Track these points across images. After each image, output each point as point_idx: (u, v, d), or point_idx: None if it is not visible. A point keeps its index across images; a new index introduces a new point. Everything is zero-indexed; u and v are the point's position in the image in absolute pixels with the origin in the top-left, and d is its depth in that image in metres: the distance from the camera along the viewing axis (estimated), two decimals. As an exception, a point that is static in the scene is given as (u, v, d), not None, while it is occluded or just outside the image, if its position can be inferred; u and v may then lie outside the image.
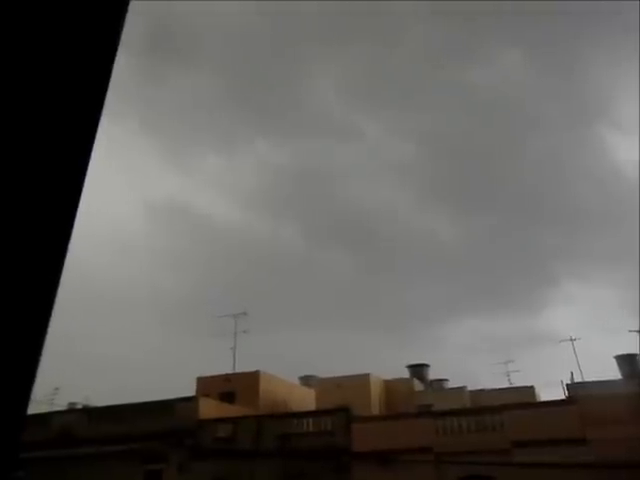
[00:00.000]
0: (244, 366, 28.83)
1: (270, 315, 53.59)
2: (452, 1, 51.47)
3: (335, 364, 52.88)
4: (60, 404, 29.46)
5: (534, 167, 66.66)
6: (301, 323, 56.62)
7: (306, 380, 33.27)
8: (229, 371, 28.69)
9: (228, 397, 26.24)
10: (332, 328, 56.06)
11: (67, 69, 0.87)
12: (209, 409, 23.11)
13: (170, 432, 21.48)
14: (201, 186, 71.57)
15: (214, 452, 20.89)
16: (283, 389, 28.30)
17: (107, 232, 62.57)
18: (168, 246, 68.22)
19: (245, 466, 20.54)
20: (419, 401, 28.33)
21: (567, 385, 20.16)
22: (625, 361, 26.84)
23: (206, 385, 27.46)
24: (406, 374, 33.63)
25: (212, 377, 27.90)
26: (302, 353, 44.77)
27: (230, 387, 27.06)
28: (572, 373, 23.47)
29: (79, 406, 29.08)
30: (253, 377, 27.22)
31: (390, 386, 30.78)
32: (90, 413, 25.16)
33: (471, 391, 29.94)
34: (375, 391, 29.36)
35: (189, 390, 26.91)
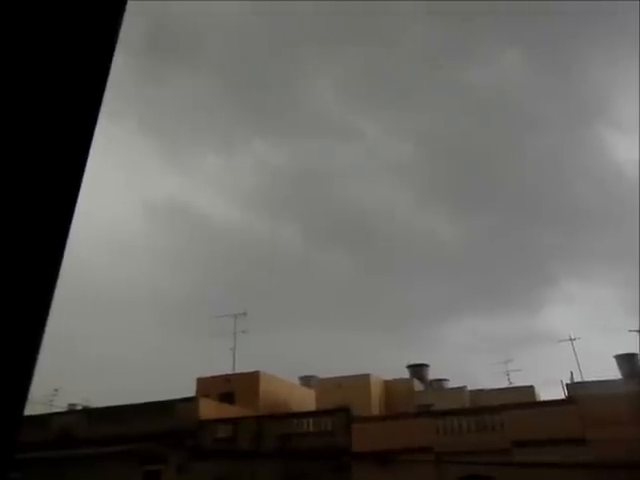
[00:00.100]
0: (244, 366, 28.86)
1: (270, 315, 53.59)
2: (449, 1, 51.52)
3: (335, 364, 52.88)
4: (60, 405, 29.47)
5: (533, 167, 66.75)
6: (301, 323, 56.65)
7: (306, 380, 33.27)
8: (229, 371, 28.70)
9: (228, 397, 26.23)
10: (332, 328, 56.09)
11: (65, 68, 0.87)
12: (209, 410, 23.10)
13: (170, 433, 21.48)
14: (200, 186, 71.63)
15: (214, 453, 20.89)
16: (283, 389, 28.29)
17: (106, 232, 62.59)
18: (167, 246, 68.28)
19: (245, 467, 20.53)
20: (419, 401, 28.33)
21: (567, 385, 20.17)
22: (625, 361, 26.85)
23: (206, 386, 27.45)
24: (406, 374, 33.65)
25: (212, 377, 27.89)
26: (302, 353, 44.79)
27: (230, 387, 27.05)
28: (572, 373, 23.50)
29: (79, 407, 29.08)
30: (253, 377, 27.22)
31: (390, 386, 30.79)
32: (90, 414, 25.14)
33: (471, 391, 29.95)
34: (375, 391, 29.37)
35: (189, 391, 26.92)
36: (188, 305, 55.86)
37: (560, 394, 20.16)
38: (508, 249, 68.22)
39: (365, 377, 29.21)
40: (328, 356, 44.56)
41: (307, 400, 28.46)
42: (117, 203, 70.51)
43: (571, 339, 27.41)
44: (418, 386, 32.01)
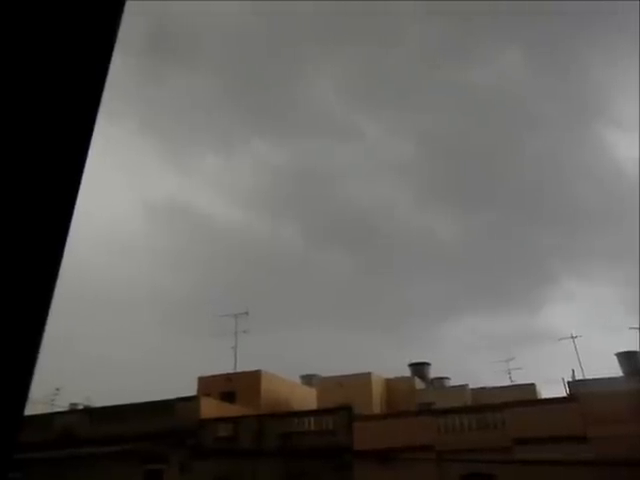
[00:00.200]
0: (245, 365, 28.87)
1: (270, 314, 53.62)
2: (449, 1, 51.47)
3: (336, 363, 52.87)
4: (61, 405, 29.53)
5: (533, 165, 66.69)
6: (301, 322, 56.66)
7: (307, 379, 33.30)
8: (230, 371, 28.71)
9: (229, 397, 26.25)
10: (332, 327, 56.14)
11: (63, 68, 0.87)
12: (210, 409, 23.12)
13: (171, 432, 21.51)
14: (200, 186, 71.61)
15: (215, 452, 20.91)
16: (284, 388, 28.32)
17: (106, 232, 62.63)
18: (167, 246, 68.27)
19: (247, 465, 20.56)
20: (420, 399, 28.34)
21: (568, 383, 20.15)
22: (626, 358, 26.83)
23: (207, 385, 27.48)
24: (407, 373, 33.64)
25: (213, 377, 27.92)
26: (303, 352, 44.82)
27: (231, 387, 27.08)
28: (573, 371, 23.44)
29: (80, 407, 29.12)
30: (254, 376, 27.24)
31: (391, 385, 30.81)
32: (91, 413, 25.18)
33: (472, 389, 29.94)
34: (376, 390, 29.38)
35: (190, 390, 26.95)
36: (189, 305, 55.93)
37: (561, 392, 20.15)
38: (508, 248, 68.24)
39: (366, 376, 29.21)
40: (329, 355, 44.61)
41: (308, 399, 28.49)
42: (117, 203, 70.53)
43: (572, 337, 27.41)
44: (419, 384, 32.01)
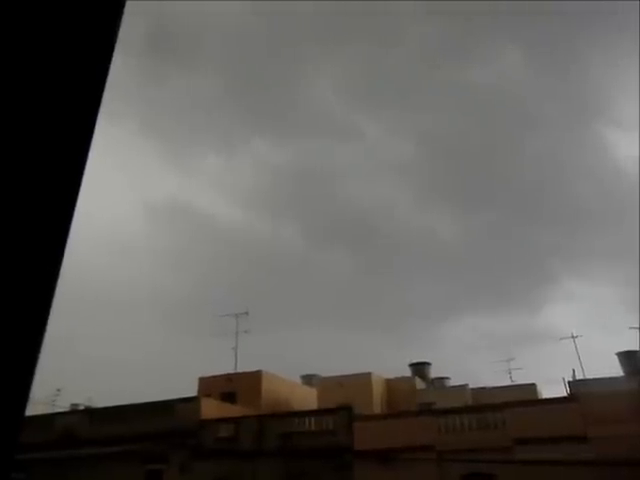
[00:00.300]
0: (246, 366, 28.88)
1: (271, 315, 53.60)
2: (449, 1, 51.46)
3: (336, 363, 52.85)
4: (62, 405, 29.55)
5: (533, 165, 66.69)
6: (302, 322, 56.68)
7: (308, 379, 33.29)
8: (231, 371, 28.71)
9: (230, 397, 26.25)
10: (333, 327, 56.15)
11: (64, 68, 0.87)
12: (211, 409, 23.12)
13: (172, 432, 21.51)
14: (201, 186, 71.64)
15: (216, 452, 20.91)
16: (285, 388, 28.32)
17: (107, 233, 62.66)
18: (168, 246, 68.29)
19: (247, 466, 20.56)
20: (421, 399, 28.33)
21: (569, 382, 20.14)
22: (626, 358, 26.83)
23: (208, 385, 27.48)
24: (407, 373, 33.63)
25: (214, 377, 27.92)
26: (303, 352, 44.80)
27: (232, 387, 27.07)
28: (574, 370, 23.43)
29: (81, 407, 29.13)
30: (255, 377, 27.24)
31: (392, 385, 30.80)
32: (92, 414, 25.19)
33: (473, 389, 29.93)
34: (377, 390, 29.38)
35: (191, 390, 26.97)
36: (190, 305, 55.96)
37: (562, 392, 20.15)
38: (508, 248, 68.24)
39: (367, 376, 29.21)
40: (329, 355, 44.61)
41: (309, 399, 28.49)
42: (118, 204, 70.61)
43: (572, 337, 27.40)
44: (420, 384, 32.00)
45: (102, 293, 54.98)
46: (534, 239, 64.26)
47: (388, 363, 49.81)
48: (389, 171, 70.73)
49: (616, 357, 27.34)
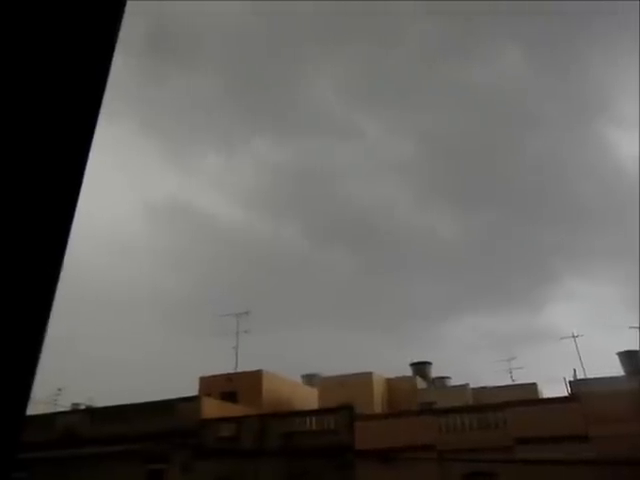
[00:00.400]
0: (246, 365, 28.87)
1: (272, 314, 53.63)
2: (449, 1, 51.41)
3: (337, 363, 52.87)
4: (63, 405, 29.57)
5: (534, 164, 66.63)
6: (303, 322, 56.68)
7: (309, 379, 33.29)
8: (231, 370, 28.72)
9: (230, 397, 26.26)
10: (334, 327, 56.16)
11: (64, 69, 0.87)
12: (211, 409, 23.14)
13: (173, 432, 21.53)
14: (202, 186, 71.63)
15: (217, 452, 20.92)
16: (286, 388, 28.33)
17: (107, 233, 62.71)
18: (169, 246, 68.30)
19: (248, 465, 20.57)
20: (422, 399, 28.33)
21: (569, 382, 20.14)
22: (627, 358, 26.80)
23: (208, 385, 27.50)
24: (408, 372, 33.63)
25: (214, 377, 27.93)
26: (304, 352, 44.76)
27: (232, 386, 27.08)
28: (575, 370, 23.42)
29: (82, 407, 29.15)
30: (256, 376, 27.25)
31: (393, 384, 30.79)
32: (93, 413, 25.21)
33: (473, 388, 29.92)
34: (378, 389, 29.38)
35: (191, 390, 26.98)
36: (190, 305, 56.00)
37: (563, 391, 20.15)
38: (509, 247, 68.21)
39: (367, 375, 29.21)
40: (330, 354, 44.61)
41: (310, 398, 28.49)
42: (118, 204, 70.63)
43: (573, 336, 27.39)
44: (421, 384, 31.99)
45: (103, 293, 55.05)
46: (535, 238, 64.25)
47: (389, 363, 49.89)
48: (389, 171, 70.74)
49: (617, 357, 27.33)
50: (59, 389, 30.21)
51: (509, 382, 30.88)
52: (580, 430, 17.05)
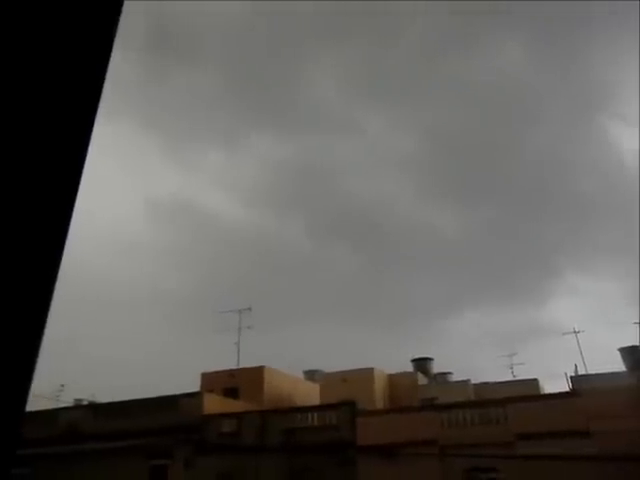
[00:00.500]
0: (248, 361, 28.92)
1: (274, 311, 53.69)
2: (449, 1, 51.21)
3: (339, 359, 52.97)
4: (66, 400, 29.68)
5: (536, 160, 66.47)
6: (304, 318, 56.75)
7: (310, 375, 33.34)
8: (233, 367, 28.77)
9: (232, 392, 26.32)
10: (335, 323, 56.19)
11: (62, 66, 0.87)
12: (213, 404, 23.19)
13: (175, 428, 21.58)
14: (203, 184, 71.64)
15: (219, 447, 20.98)
16: (287, 384, 28.37)
17: (109, 232, 62.76)
18: (171, 244, 68.31)
19: (250, 461, 20.63)
20: (423, 394, 28.37)
21: (571, 377, 20.15)
22: (629, 353, 26.77)
23: (210, 381, 27.55)
24: (410, 368, 33.67)
25: (216, 373, 27.98)
26: (306, 348, 44.87)
27: (234, 382, 27.14)
28: (576, 365, 23.43)
29: (85, 402, 29.26)
30: (257, 372, 27.30)
31: (394, 380, 30.84)
32: (96, 409, 25.29)
33: (475, 384, 29.96)
34: (379, 385, 29.43)
35: (194, 386, 27.04)
36: (192, 302, 56.08)
37: (564, 387, 20.16)
38: (512, 242, 68.13)
39: (369, 371, 29.25)
40: (332, 351, 44.69)
41: (311, 394, 28.54)
42: (119, 202, 70.64)
43: (575, 332, 27.39)
44: (422, 380, 32.03)
45: (105, 292, 55.11)
46: (537, 234, 64.15)
47: (390, 359, 49.93)
48: (391, 167, 70.68)
49: (618, 352, 27.31)
50: (62, 385, 30.33)
51: (511, 378, 30.93)
52: (581, 426, 17.06)
